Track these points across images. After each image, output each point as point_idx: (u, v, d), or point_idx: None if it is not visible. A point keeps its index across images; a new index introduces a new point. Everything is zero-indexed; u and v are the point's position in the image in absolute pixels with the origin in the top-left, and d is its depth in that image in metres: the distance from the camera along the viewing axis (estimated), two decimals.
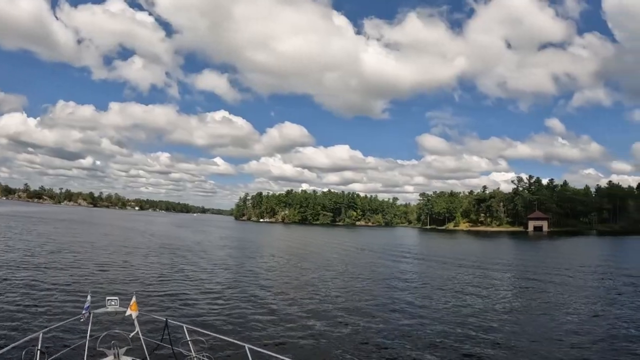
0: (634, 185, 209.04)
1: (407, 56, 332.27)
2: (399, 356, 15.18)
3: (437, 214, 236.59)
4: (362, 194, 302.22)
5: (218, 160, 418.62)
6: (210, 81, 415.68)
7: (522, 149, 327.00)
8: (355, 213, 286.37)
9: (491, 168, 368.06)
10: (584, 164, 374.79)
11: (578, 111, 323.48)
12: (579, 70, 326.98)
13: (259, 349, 8.28)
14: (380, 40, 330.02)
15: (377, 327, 18.69)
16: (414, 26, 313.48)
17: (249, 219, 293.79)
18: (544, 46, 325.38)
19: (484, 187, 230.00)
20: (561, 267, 44.50)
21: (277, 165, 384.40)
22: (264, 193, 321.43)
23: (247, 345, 7.90)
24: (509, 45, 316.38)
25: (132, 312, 9.15)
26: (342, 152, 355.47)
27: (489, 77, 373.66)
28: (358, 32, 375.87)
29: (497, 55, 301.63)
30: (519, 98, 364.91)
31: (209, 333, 9.86)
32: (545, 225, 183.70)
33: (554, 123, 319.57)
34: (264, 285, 28.49)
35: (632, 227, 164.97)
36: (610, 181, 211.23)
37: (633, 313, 23.22)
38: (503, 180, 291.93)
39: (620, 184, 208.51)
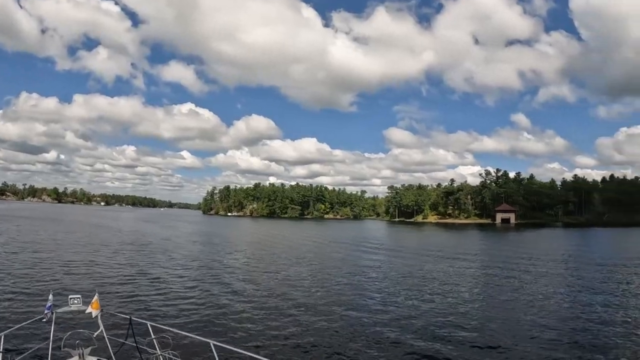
0: (597, 178, 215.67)
1: (375, 50, 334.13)
2: (366, 353, 14.80)
3: (405, 206, 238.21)
4: (330, 187, 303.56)
5: (185, 153, 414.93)
6: (176, 72, 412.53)
7: (488, 143, 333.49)
8: (323, 206, 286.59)
9: (457, 161, 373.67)
10: (549, 158, 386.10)
11: (543, 107, 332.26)
12: (545, 67, 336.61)
13: (224, 345, 8.17)
14: (348, 33, 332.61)
15: (344, 324, 18.28)
16: (383, 20, 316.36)
17: (216, 213, 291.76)
18: (511, 42, 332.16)
19: (452, 180, 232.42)
20: (532, 258, 45.44)
21: (245, 159, 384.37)
22: (232, 186, 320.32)
23: (212, 342, 7.74)
24: (476, 41, 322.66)
25: (93, 310, 8.81)
26: (309, 145, 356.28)
27: (456, 72, 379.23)
28: (326, 25, 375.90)
29: (464, 50, 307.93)
30: (486, 93, 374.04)
31: (173, 330, 9.70)
32: (512, 217, 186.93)
33: (520, 118, 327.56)
34: (231, 282, 27.76)
35: (596, 220, 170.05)
36: (575, 175, 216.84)
37: (601, 299, 24.08)
38: (469, 174, 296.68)
39: (585, 177, 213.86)
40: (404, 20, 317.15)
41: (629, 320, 19.45)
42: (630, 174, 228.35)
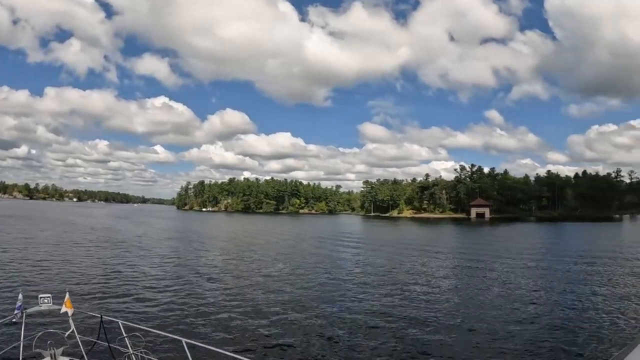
0: (569, 174, 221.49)
1: (351, 45, 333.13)
2: (338, 350, 14.64)
3: (381, 201, 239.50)
4: (304, 182, 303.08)
5: (158, 148, 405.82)
6: (150, 65, 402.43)
7: (462, 139, 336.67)
8: (298, 201, 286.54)
9: (431, 157, 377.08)
10: (521, 154, 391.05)
11: (516, 104, 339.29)
12: (519, 65, 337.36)
13: (196, 343, 8.24)
14: (324, 28, 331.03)
15: (321, 321, 18.08)
16: (359, 15, 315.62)
17: (191, 209, 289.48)
18: (486, 40, 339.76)
19: (427, 175, 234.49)
20: (507, 251, 46.84)
21: (219, 153, 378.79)
22: (206, 181, 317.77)
23: (184, 340, 7.66)
24: (452, 38, 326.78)
25: (66, 309, 8.60)
26: (283, 140, 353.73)
27: (431, 68, 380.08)
28: (302, 20, 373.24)
29: (440, 47, 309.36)
30: (460, 89, 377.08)
31: (145, 328, 9.73)
32: (487, 212, 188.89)
33: (493, 114, 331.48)
34: (204, 280, 27.25)
35: (569, 214, 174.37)
36: (549, 171, 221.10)
37: (574, 289, 25.08)
38: (443, 169, 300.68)
39: (558, 173, 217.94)
40: (380, 16, 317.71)
41: (603, 308, 20.11)
42: (601, 170, 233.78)
